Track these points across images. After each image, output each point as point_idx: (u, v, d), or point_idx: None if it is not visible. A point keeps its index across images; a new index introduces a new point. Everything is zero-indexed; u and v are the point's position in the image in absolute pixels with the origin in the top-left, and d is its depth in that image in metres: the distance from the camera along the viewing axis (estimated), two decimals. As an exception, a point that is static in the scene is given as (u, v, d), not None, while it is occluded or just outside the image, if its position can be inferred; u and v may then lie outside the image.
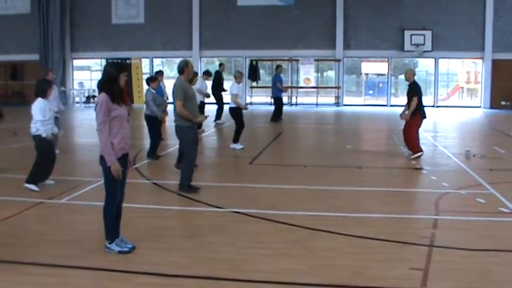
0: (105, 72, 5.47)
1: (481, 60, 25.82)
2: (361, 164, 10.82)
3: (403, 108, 11.80)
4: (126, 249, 5.49)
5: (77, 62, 29.50)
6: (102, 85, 5.42)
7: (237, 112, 12.62)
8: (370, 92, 30.66)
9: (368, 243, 5.90)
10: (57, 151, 11.47)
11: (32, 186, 8.22)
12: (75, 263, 5.19)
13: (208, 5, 27.39)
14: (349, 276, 4.93)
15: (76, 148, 13.35)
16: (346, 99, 28.39)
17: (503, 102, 25.11)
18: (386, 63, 27.16)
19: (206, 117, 9.02)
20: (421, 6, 25.32)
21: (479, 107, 26.00)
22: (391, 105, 27.30)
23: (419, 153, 11.20)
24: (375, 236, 6.09)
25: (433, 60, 26.38)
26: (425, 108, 11.52)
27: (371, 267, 5.15)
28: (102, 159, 5.40)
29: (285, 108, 22.03)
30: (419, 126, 11.49)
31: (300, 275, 4.95)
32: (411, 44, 25.24)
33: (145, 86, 13.21)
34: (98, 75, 28.98)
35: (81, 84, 29.24)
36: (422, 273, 5.00)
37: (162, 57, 29.03)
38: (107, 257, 5.38)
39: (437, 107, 26.25)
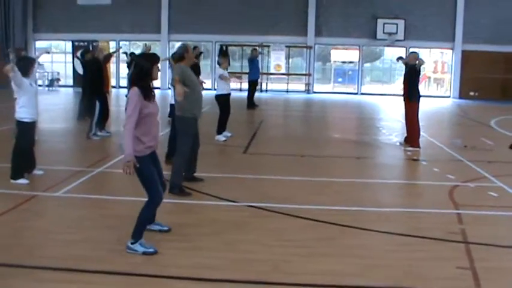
0: (137, 64, 4.96)
1: (451, 51, 26.05)
2: (358, 154, 10.55)
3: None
4: (152, 250, 5.00)
5: (39, 44, 28.09)
6: (133, 79, 4.95)
7: (224, 99, 12.09)
8: (340, 79, 30.57)
9: (403, 240, 5.61)
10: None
11: (21, 181, 7.51)
12: (95, 267, 4.67)
13: (178, -13, 26.58)
14: (404, 277, 4.64)
15: (53, 135, 12.50)
16: (316, 87, 28.21)
17: (471, 93, 25.46)
18: (357, 51, 27.10)
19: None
20: (394, -5, 25.32)
21: (448, 96, 26.29)
22: (362, 93, 27.30)
23: (417, 149, 11.00)
24: (405, 232, 5.82)
25: (404, 49, 26.38)
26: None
27: (420, 267, 4.86)
28: None
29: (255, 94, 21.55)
30: (418, 113, 11.31)
31: (351, 277, 4.61)
32: (384, 33, 25.20)
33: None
34: (60, 58, 27.80)
35: (41, 66, 27.88)
36: (471, 273, 4.75)
37: (130, 40, 28.04)
38: (130, 259, 4.87)
39: (408, 95, 26.34)
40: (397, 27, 25.03)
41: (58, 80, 26.24)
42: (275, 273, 4.65)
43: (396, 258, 5.06)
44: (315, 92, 27.56)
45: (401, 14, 25.05)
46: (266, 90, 27.53)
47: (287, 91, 27.59)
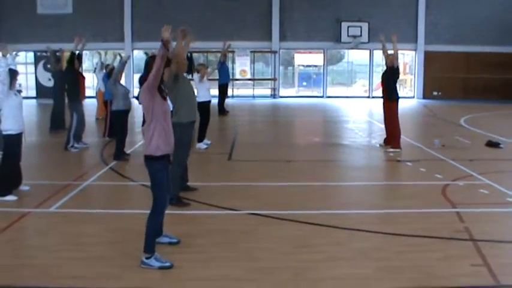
0: (148, 65, 4.93)
1: (413, 52, 26.63)
2: (342, 158, 10.66)
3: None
4: (168, 264, 4.88)
5: (-3, 54, 27.23)
6: (143, 79, 4.87)
7: (205, 106, 12.00)
8: (304, 83, 30.75)
9: (412, 241, 5.68)
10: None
11: (9, 197, 7.24)
12: (115, 284, 4.55)
13: (140, -6, 26.30)
14: (423, 277, 4.72)
15: (29, 147, 12.02)
16: (281, 91, 28.31)
17: (435, 93, 26.09)
18: (322, 55, 27.36)
19: None
20: (357, -1, 25.73)
21: (412, 97, 26.82)
22: (327, 97, 27.55)
23: (398, 150, 11.14)
24: (412, 233, 5.89)
25: (368, 51, 26.84)
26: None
27: (436, 267, 4.95)
28: (148, 160, 4.86)
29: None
30: (397, 113, 11.41)
31: (373, 280, 4.64)
32: (348, 36, 25.52)
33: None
34: (21, 68, 26.97)
35: (1, 78, 27.04)
36: (487, 270, 4.87)
37: (93, 49, 27.47)
38: (148, 275, 4.76)
39: (373, 97, 26.75)
40: (361, 30, 25.38)
41: (20, 91, 25.44)
42: (296, 280, 4.64)
43: (411, 259, 5.12)
44: (281, 97, 27.66)
45: (364, 17, 25.42)
46: (232, 96, 27.44)
47: (253, 96, 27.62)
